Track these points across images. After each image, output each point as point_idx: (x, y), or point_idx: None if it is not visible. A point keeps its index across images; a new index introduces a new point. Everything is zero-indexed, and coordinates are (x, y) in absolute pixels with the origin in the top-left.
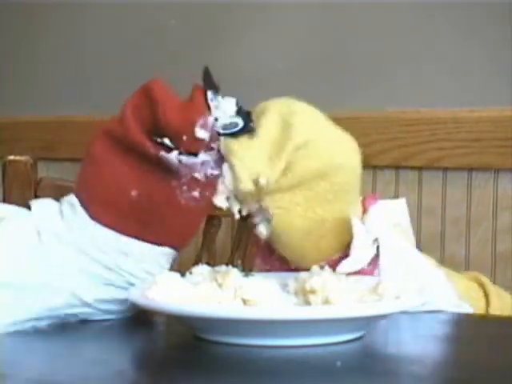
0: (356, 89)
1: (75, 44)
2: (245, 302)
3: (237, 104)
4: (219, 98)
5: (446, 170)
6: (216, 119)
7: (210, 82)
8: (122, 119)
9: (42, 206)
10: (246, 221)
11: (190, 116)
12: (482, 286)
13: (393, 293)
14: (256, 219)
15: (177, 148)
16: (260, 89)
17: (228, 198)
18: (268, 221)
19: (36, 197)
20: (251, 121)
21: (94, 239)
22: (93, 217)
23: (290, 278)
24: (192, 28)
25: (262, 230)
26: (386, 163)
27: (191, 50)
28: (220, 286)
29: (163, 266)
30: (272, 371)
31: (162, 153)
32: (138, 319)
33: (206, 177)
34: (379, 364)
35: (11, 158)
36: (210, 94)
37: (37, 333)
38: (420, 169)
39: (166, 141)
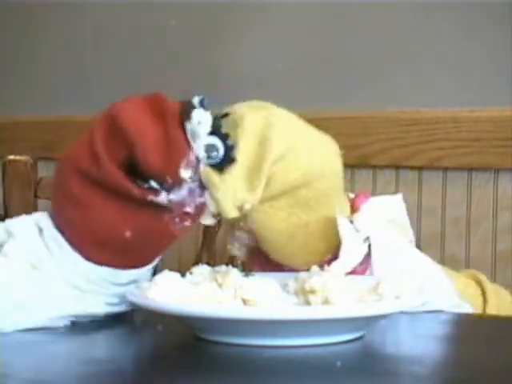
0: (356, 89)
1: (75, 44)
2: (245, 301)
3: (213, 122)
4: (194, 119)
5: (446, 169)
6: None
7: (186, 110)
8: (96, 157)
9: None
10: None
11: (172, 159)
12: (479, 283)
13: (393, 293)
14: (231, 242)
15: (162, 187)
16: (260, 89)
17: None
18: (245, 245)
19: (36, 197)
20: (231, 148)
21: (84, 273)
22: (87, 258)
23: (289, 278)
24: (192, 28)
25: (237, 253)
26: (386, 163)
27: (191, 50)
28: (220, 286)
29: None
30: (272, 371)
31: (151, 196)
32: (137, 319)
33: (196, 207)
34: (379, 364)
35: (11, 157)
36: (188, 126)
37: (37, 333)
38: (420, 169)
39: (153, 184)
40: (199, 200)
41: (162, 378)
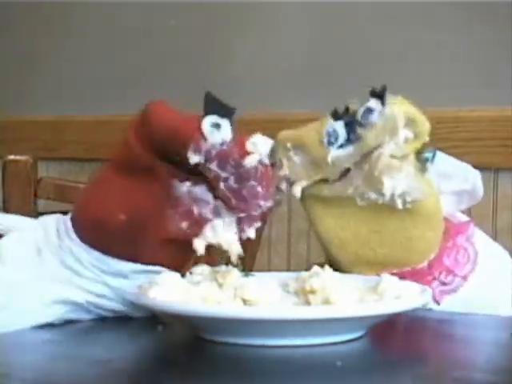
0: (356, 89)
1: (75, 44)
2: (245, 301)
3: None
4: (224, 122)
5: None
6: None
7: (211, 106)
8: (127, 142)
9: (45, 222)
10: None
11: (181, 139)
12: None
13: (393, 293)
14: None
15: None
16: (260, 89)
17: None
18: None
19: (36, 196)
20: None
21: (77, 255)
22: (82, 239)
23: (290, 278)
24: (192, 28)
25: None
26: None
27: (191, 49)
28: (220, 285)
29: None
30: (272, 371)
31: (174, 181)
32: (138, 319)
33: (200, 215)
34: (379, 364)
35: (11, 157)
36: (208, 119)
37: (37, 333)
38: None
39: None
40: (205, 212)
41: (162, 378)
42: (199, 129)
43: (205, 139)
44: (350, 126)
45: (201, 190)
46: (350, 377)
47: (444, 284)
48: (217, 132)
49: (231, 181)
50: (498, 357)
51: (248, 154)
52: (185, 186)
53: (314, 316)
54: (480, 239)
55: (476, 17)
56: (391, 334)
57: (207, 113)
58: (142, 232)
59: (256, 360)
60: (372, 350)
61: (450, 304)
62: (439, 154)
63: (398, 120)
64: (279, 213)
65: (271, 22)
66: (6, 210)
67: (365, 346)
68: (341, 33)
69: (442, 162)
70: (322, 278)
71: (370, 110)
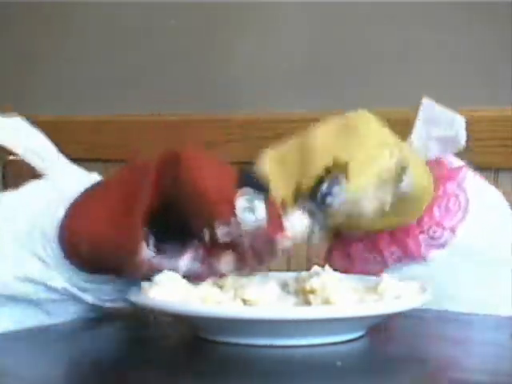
0: (356, 89)
1: (75, 44)
2: (245, 302)
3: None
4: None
5: None
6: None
7: (245, 181)
8: (146, 169)
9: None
10: None
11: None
12: None
13: (393, 293)
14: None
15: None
16: (260, 89)
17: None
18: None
19: None
20: None
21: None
22: (61, 247)
23: (290, 278)
24: (192, 28)
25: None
26: None
27: (191, 49)
28: (220, 286)
29: None
30: (272, 371)
31: (143, 242)
32: (138, 319)
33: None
34: (379, 364)
35: (11, 157)
36: (242, 199)
37: (36, 333)
38: None
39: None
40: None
41: (161, 378)
42: (232, 208)
43: (236, 218)
44: (309, 213)
45: (164, 261)
46: (350, 377)
47: (432, 238)
48: (251, 213)
49: (254, 245)
50: (497, 358)
51: (282, 234)
52: (148, 254)
53: (314, 316)
54: (472, 185)
55: (476, 17)
56: (391, 334)
57: (241, 186)
58: (106, 266)
59: (256, 360)
60: (372, 350)
61: (439, 260)
62: (426, 101)
63: (365, 195)
64: None
65: (271, 22)
66: None
67: (365, 346)
68: (341, 33)
69: (431, 108)
70: (322, 278)
71: (328, 195)
